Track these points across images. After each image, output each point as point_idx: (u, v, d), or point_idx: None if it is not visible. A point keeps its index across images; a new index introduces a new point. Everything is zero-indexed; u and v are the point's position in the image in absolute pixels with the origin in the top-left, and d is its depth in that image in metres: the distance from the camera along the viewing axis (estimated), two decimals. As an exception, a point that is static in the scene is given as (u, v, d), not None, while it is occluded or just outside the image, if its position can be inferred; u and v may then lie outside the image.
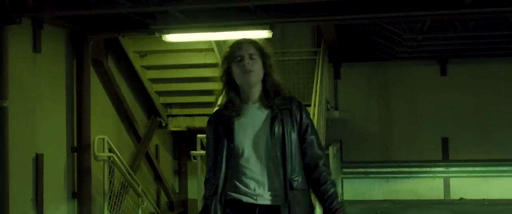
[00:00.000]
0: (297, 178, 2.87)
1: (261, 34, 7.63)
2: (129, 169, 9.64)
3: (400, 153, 13.08)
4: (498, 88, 12.76)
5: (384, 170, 12.96)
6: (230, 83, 2.99)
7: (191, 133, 12.22)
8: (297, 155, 2.92)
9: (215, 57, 9.70)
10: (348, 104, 13.24)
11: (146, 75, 10.52)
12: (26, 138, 7.38)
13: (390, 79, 13.19)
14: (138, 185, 9.95)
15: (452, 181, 12.81)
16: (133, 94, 10.71)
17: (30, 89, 7.48)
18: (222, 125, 2.96)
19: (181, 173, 13.23)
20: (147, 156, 11.19)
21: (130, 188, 9.73)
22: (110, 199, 8.89)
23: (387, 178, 12.98)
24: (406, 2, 6.81)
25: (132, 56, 10.02)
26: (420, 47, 10.80)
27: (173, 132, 12.56)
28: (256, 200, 2.87)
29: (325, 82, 11.48)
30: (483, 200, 12.31)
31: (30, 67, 7.47)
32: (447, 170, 12.82)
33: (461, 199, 12.66)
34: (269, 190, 2.86)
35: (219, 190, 2.89)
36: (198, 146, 8.78)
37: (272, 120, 2.90)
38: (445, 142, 12.96)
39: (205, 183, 3.08)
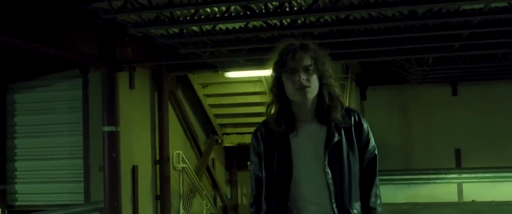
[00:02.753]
0: (356, 206, 2.60)
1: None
2: (196, 178, 12.13)
3: (419, 162, 15.15)
4: (502, 106, 14.71)
5: (406, 177, 14.96)
6: (281, 96, 2.59)
7: (241, 148, 14.76)
8: (356, 179, 2.62)
9: (263, 87, 12.13)
10: (373, 121, 15.02)
11: (206, 102, 13.03)
12: (127, 153, 9.84)
13: (408, 99, 15.37)
14: (203, 190, 12.44)
15: (465, 186, 14.74)
16: (196, 117, 13.17)
17: (127, 117, 9.92)
18: (276, 144, 2.59)
19: (232, 182, 15.65)
20: (206, 167, 13.63)
21: (196, 193, 12.20)
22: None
23: (408, 184, 15.03)
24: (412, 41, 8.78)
25: (197, 87, 12.54)
26: (430, 75, 12.99)
27: (226, 147, 14.97)
28: None
29: (353, 103, 13.75)
30: (491, 202, 14.22)
31: (127, 100, 9.93)
32: (460, 176, 14.72)
33: (472, 201, 14.60)
34: None
35: None
36: None
37: (328, 141, 2.55)
38: (457, 152, 14.96)
39: (252, 206, 2.74)
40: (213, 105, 13.24)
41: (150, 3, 6.41)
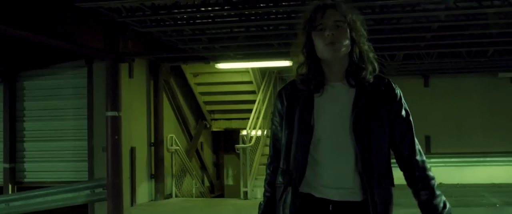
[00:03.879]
0: (383, 174, 2.41)
1: (283, 63, 11.04)
2: (187, 159, 13.24)
3: (392, 147, 16.39)
4: (469, 97, 15.90)
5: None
6: (311, 55, 2.46)
7: (227, 132, 15.89)
8: (385, 146, 2.44)
9: (249, 76, 13.23)
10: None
11: (197, 90, 14.10)
12: (127, 136, 10.87)
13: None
14: (193, 171, 13.56)
15: (433, 170, 15.57)
16: (187, 103, 14.25)
17: (127, 103, 10.93)
18: (299, 101, 2.47)
19: (218, 164, 16.79)
20: (196, 150, 14.73)
21: (187, 173, 13.31)
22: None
23: (382, 167, 16.26)
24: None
25: (188, 76, 13.60)
26: (403, 68, 14.16)
27: (213, 132, 16.09)
28: (330, 195, 2.40)
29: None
30: (457, 184, 15.45)
31: (127, 88, 10.93)
32: (429, 161, 15.54)
33: (440, 183, 15.89)
34: (347, 185, 2.39)
35: (295, 182, 2.43)
36: (240, 141, 11.89)
37: (356, 103, 2.40)
38: (427, 139, 16.12)
39: (269, 167, 2.66)
40: (203, 93, 14.31)
41: (154, 6, 7.46)
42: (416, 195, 2.53)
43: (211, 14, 7.82)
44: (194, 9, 7.57)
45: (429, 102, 16.14)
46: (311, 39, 2.44)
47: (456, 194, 14.17)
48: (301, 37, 2.48)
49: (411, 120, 2.54)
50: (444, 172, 15.87)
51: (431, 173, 2.56)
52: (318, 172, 2.41)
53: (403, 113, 2.51)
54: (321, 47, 2.41)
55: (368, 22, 8.23)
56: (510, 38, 9.53)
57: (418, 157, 2.54)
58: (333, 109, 2.43)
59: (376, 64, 2.48)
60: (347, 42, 2.41)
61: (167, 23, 8.05)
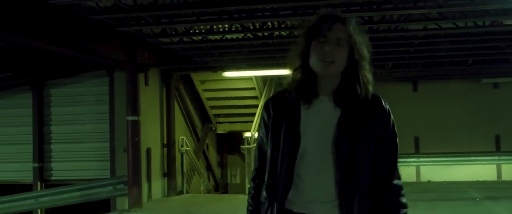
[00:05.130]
0: (364, 195, 2.29)
1: (283, 71, 12.28)
2: (196, 159, 14.49)
3: (384, 148, 17.52)
4: (455, 101, 17.08)
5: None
6: (305, 64, 2.33)
7: (231, 135, 17.12)
8: (369, 167, 2.31)
9: (252, 83, 14.48)
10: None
11: (204, 95, 15.35)
12: (143, 138, 12.01)
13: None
14: (200, 170, 14.81)
15: (422, 168, 17.08)
16: (195, 108, 15.46)
17: (143, 109, 12.05)
18: (286, 114, 2.35)
19: (223, 164, 18.01)
20: (202, 151, 15.94)
21: (195, 172, 14.55)
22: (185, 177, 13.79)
23: (374, 167, 17.34)
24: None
25: (196, 83, 14.84)
26: (393, 75, 15.43)
27: (218, 134, 17.29)
28: (312, 210, 2.30)
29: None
30: (444, 181, 16.49)
31: (143, 94, 12.09)
32: (418, 160, 16.86)
33: (428, 181, 16.94)
34: (328, 200, 2.29)
35: (281, 198, 2.33)
36: (245, 143, 13.17)
37: (341, 120, 2.28)
38: (416, 140, 17.30)
39: (253, 180, 2.53)
40: (210, 98, 15.56)
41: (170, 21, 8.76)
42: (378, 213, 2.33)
43: (221, 29, 9.11)
44: (208, 27, 8.87)
45: (418, 106, 17.27)
46: (309, 47, 2.33)
47: (442, 190, 15.19)
48: (302, 42, 2.36)
49: (398, 142, 2.41)
50: (432, 170, 17.02)
51: (404, 201, 2.37)
52: (301, 187, 2.31)
53: (390, 133, 2.37)
54: (315, 60, 2.29)
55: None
56: (486, 51, 10.89)
57: (395, 181, 2.37)
58: (319, 124, 2.32)
59: (370, 88, 2.34)
60: (343, 62, 2.29)
61: (185, 40, 9.32)
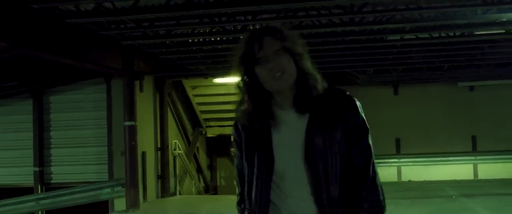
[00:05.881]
0: (342, 203, 2.22)
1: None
2: (188, 162, 15.15)
3: (366, 149, 18.18)
4: (434, 103, 17.80)
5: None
6: (254, 90, 2.24)
7: (220, 138, 17.79)
8: (344, 170, 2.23)
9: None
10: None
11: (195, 100, 16.03)
12: (138, 142, 12.59)
13: (359, 98, 18.27)
14: (192, 172, 15.48)
15: (403, 168, 17.74)
16: (186, 112, 16.13)
17: (138, 114, 12.65)
18: (256, 136, 2.29)
19: (212, 167, 18.67)
20: (193, 154, 16.61)
21: (187, 174, 15.21)
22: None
23: (357, 167, 17.95)
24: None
25: (188, 89, 15.52)
26: (374, 79, 16.24)
27: (208, 138, 17.95)
28: None
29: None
30: (423, 181, 17.11)
31: (138, 101, 12.67)
32: (399, 160, 17.58)
33: (409, 181, 17.60)
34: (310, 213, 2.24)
35: None
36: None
37: (309, 130, 2.21)
38: (398, 141, 17.95)
39: (239, 204, 2.47)
40: (200, 103, 16.25)
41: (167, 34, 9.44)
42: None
43: (212, 39, 9.84)
44: (201, 39, 9.60)
45: (399, 109, 17.94)
46: (252, 73, 2.22)
47: (422, 188, 15.74)
48: (239, 71, 2.27)
49: (370, 141, 2.31)
50: (413, 170, 17.71)
51: (382, 199, 2.28)
52: (281, 203, 2.26)
53: (360, 128, 2.26)
54: (267, 80, 2.19)
55: (340, 45, 10.42)
56: (460, 58, 11.75)
57: (373, 179, 2.27)
58: (289, 140, 2.25)
59: (322, 84, 2.25)
60: (291, 70, 2.20)
61: (182, 49, 10.03)
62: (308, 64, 2.25)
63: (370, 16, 8.24)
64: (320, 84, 2.24)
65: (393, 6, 7.83)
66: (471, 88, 17.70)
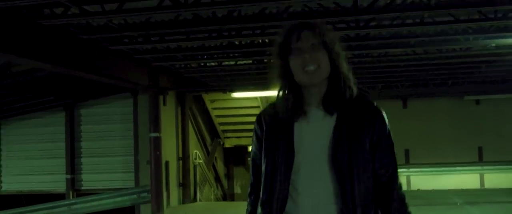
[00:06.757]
0: (366, 207, 2.21)
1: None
2: (207, 170, 16.11)
3: (377, 160, 18.92)
4: (441, 116, 18.50)
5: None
6: (288, 80, 2.28)
7: (237, 148, 18.70)
8: (369, 176, 2.23)
9: (257, 102, 16.12)
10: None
11: (214, 113, 16.99)
12: (164, 152, 13.56)
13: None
14: (211, 180, 16.42)
15: (412, 178, 18.38)
16: (205, 124, 17.08)
17: (162, 126, 13.66)
18: (279, 128, 2.28)
19: (229, 175, 19.57)
20: (212, 163, 17.54)
21: (206, 182, 16.15)
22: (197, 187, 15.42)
23: (368, 177, 18.70)
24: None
25: (207, 102, 16.49)
26: (383, 94, 17.07)
27: (225, 148, 18.86)
28: None
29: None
30: (432, 189, 17.57)
31: (162, 113, 13.68)
32: (408, 170, 18.03)
33: (418, 189, 18.23)
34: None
35: (276, 212, 2.27)
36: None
37: (336, 130, 2.20)
38: (407, 152, 18.64)
39: (250, 196, 2.49)
40: (218, 116, 17.20)
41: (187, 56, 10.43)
42: None
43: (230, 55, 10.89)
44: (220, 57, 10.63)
45: (408, 121, 18.48)
46: (288, 63, 2.26)
47: (429, 197, 16.21)
48: (277, 62, 2.30)
49: (395, 151, 2.34)
50: (421, 180, 18.34)
51: (409, 210, 2.35)
52: (298, 200, 2.23)
53: (386, 140, 2.29)
54: (298, 72, 2.22)
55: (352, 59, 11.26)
56: (463, 74, 12.64)
57: (399, 191, 2.33)
58: (313, 136, 2.24)
59: (354, 88, 2.27)
60: (325, 65, 2.23)
61: (203, 67, 11.08)
62: (344, 64, 2.28)
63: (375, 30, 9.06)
64: (354, 87, 2.28)
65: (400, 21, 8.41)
66: (477, 102, 18.35)
